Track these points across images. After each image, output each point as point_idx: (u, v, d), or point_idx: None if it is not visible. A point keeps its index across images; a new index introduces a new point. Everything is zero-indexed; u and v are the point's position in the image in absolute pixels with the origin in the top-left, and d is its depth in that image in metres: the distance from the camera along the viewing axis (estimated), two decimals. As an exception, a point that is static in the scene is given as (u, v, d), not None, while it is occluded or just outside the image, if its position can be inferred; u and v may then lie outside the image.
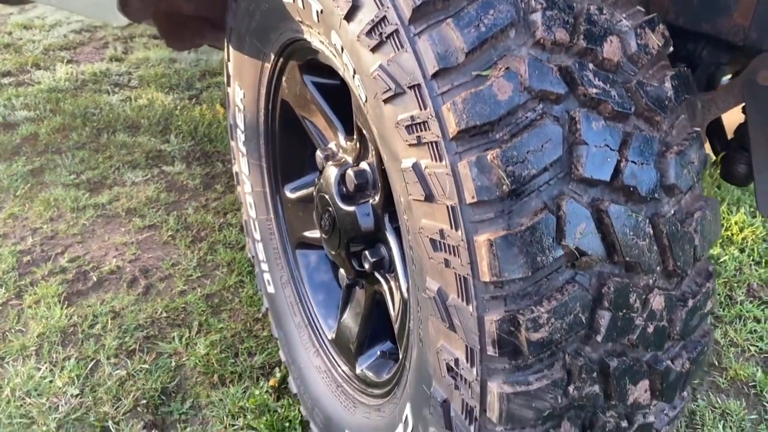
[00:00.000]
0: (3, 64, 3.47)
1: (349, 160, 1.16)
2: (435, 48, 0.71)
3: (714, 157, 1.49)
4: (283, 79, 1.29)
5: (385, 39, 0.77)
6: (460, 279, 0.73)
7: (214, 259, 2.00)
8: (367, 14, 0.79)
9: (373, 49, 0.79)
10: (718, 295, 1.98)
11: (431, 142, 0.73)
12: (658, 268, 0.76)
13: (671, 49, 0.83)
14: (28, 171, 2.46)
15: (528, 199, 0.70)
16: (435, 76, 0.72)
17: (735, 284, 2.04)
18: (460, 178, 0.71)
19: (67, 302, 1.79)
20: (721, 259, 2.12)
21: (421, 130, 0.74)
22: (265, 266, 1.51)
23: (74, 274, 1.90)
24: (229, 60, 1.40)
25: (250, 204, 1.52)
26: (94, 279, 1.89)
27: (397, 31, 0.75)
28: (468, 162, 0.70)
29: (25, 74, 3.39)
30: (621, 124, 0.74)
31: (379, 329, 1.25)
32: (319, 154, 1.25)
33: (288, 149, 1.41)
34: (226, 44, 1.39)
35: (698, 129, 0.82)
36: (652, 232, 0.74)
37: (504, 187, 0.69)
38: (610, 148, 0.72)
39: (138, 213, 2.23)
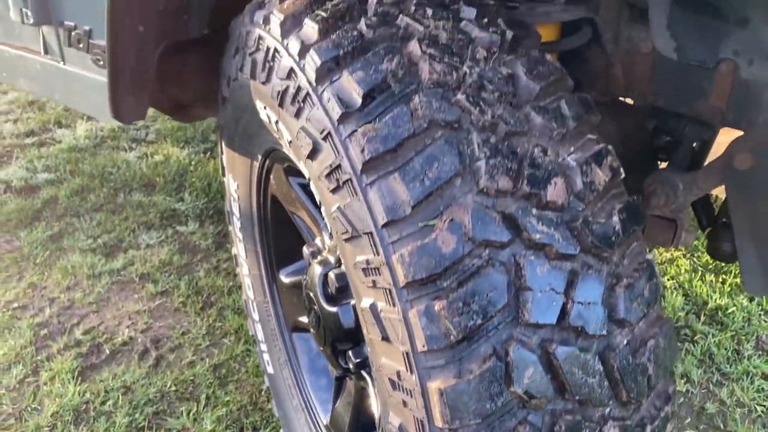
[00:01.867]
0: (27, 123, 3.60)
1: (332, 260, 1.20)
2: (384, 200, 0.75)
3: (702, 232, 1.49)
4: (271, 176, 1.33)
5: (341, 184, 0.81)
6: (417, 421, 0.76)
7: (223, 326, 2.05)
8: (325, 158, 0.84)
9: (332, 191, 0.83)
10: (725, 349, 1.97)
11: (385, 288, 0.76)
12: (611, 401, 0.77)
13: (622, 176, 0.85)
14: (47, 237, 2.55)
15: (477, 346, 0.73)
16: (385, 226, 0.75)
17: (743, 337, 2.03)
18: (411, 326, 0.74)
19: (80, 378, 1.85)
20: (729, 310, 2.11)
21: (376, 275, 0.77)
22: (264, 346, 1.56)
23: (88, 347, 1.97)
24: (222, 153, 1.45)
25: (248, 285, 1.56)
26: (107, 352, 1.95)
27: (350, 179, 0.79)
28: (417, 311, 0.73)
29: (47, 133, 3.51)
30: (568, 263, 0.76)
31: (371, 419, 1.28)
32: (306, 249, 1.29)
33: (281, 238, 1.45)
34: (219, 138, 1.44)
35: (650, 258, 0.84)
36: (602, 368, 0.76)
37: (451, 337, 0.72)
38: (556, 292, 0.74)
39: (151, 278, 2.30)
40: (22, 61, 1.61)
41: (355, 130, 0.78)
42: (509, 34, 0.89)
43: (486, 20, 0.90)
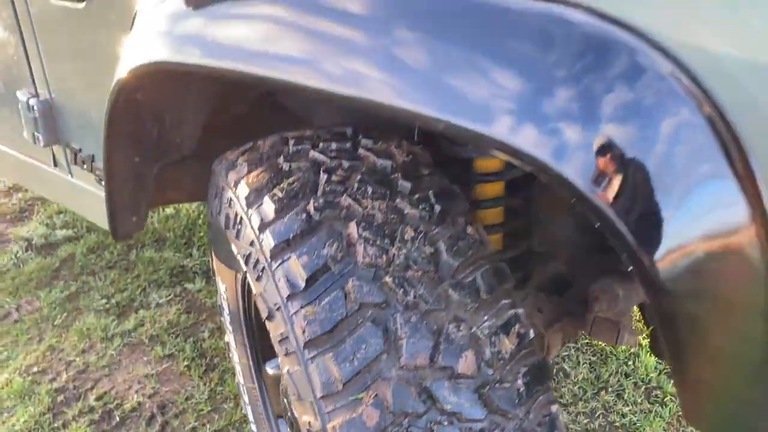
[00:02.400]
0: (47, 175, 3.81)
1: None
2: (321, 376, 0.90)
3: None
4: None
5: (289, 353, 0.96)
6: None
7: (224, 390, 2.22)
8: (278, 327, 0.99)
9: (284, 356, 0.99)
10: None
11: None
12: None
13: (531, 337, 0.99)
14: (65, 297, 2.74)
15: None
16: (322, 398, 0.91)
17: None
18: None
19: (93, 445, 2.04)
20: None
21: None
22: (254, 427, 1.72)
23: (100, 414, 2.15)
24: (212, 258, 1.62)
25: (239, 371, 1.72)
26: (117, 419, 2.13)
27: (296, 352, 0.94)
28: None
29: (66, 185, 3.72)
30: (477, 424, 0.91)
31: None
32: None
33: (265, 336, 1.61)
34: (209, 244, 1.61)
35: (554, 410, 0.98)
36: None
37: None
38: (465, 453, 0.89)
39: (159, 340, 2.48)
40: (35, 170, 1.79)
41: (299, 310, 0.94)
42: (437, 208, 1.04)
43: (417, 196, 1.05)
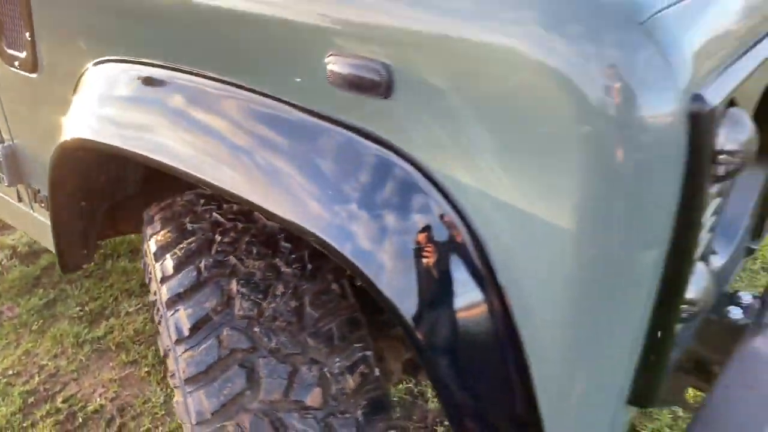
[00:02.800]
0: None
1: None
2: (195, 406, 1.14)
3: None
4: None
5: (176, 386, 1.20)
6: None
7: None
8: (171, 364, 1.22)
9: (175, 387, 1.22)
10: None
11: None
12: None
13: (375, 375, 1.22)
14: (43, 304, 2.99)
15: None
16: (197, 424, 1.14)
17: None
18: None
19: (56, 443, 2.28)
20: None
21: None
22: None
23: (65, 415, 2.39)
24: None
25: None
26: (80, 420, 2.37)
27: (180, 386, 1.17)
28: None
29: (52, 193, 3.96)
30: (321, 450, 1.14)
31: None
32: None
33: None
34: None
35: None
36: None
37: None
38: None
39: (125, 347, 2.72)
40: (4, 202, 2.03)
41: (183, 353, 1.17)
42: (309, 267, 1.26)
43: (294, 256, 1.27)
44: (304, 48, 0.99)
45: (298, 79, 1.02)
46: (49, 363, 2.64)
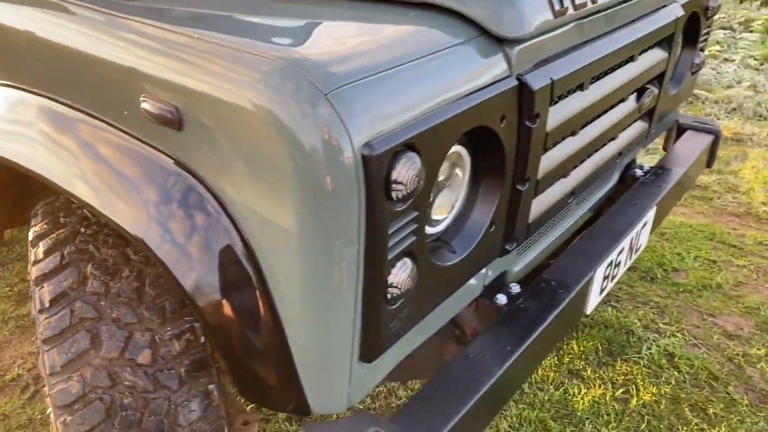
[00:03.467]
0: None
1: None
2: (49, 362, 1.46)
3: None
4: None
5: (38, 347, 1.52)
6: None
7: (89, 367, 2.77)
8: (36, 330, 1.54)
9: (39, 347, 1.54)
10: None
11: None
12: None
13: (194, 348, 1.54)
14: (-24, 284, 3.28)
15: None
16: (50, 375, 1.46)
17: None
18: None
19: (-26, 406, 2.58)
20: None
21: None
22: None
23: (-15, 382, 2.70)
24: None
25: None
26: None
27: (40, 346, 1.49)
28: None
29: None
30: (150, 395, 1.47)
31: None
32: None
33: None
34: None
35: (211, 388, 1.54)
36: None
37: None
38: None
39: (46, 324, 3.01)
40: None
41: (44, 320, 1.49)
42: (153, 255, 1.59)
43: (142, 246, 1.60)
44: (128, 89, 1.32)
45: (125, 112, 1.35)
46: (-24, 337, 2.93)
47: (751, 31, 6.38)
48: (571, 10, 1.54)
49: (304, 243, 1.16)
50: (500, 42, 1.41)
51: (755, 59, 5.68)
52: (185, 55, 1.22)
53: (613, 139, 2.03)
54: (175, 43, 1.25)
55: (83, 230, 1.61)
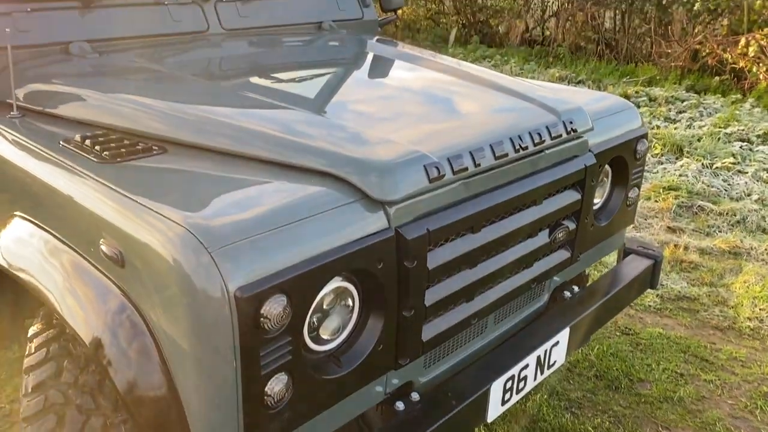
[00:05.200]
0: None
1: None
2: (25, 436, 1.87)
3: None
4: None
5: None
6: None
7: None
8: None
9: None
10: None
11: None
12: None
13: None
14: None
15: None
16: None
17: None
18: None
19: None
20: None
21: None
22: None
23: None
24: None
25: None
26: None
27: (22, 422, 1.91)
28: None
29: None
30: None
31: None
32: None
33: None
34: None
35: None
36: None
37: None
38: None
39: None
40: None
41: (25, 403, 1.91)
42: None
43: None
44: (94, 232, 1.77)
45: (92, 249, 1.80)
46: None
47: (769, 144, 6.54)
48: (449, 175, 1.91)
49: (194, 360, 1.55)
50: (381, 202, 1.80)
51: (768, 172, 5.84)
52: (124, 210, 1.67)
53: (527, 267, 2.35)
54: (119, 199, 1.71)
55: (68, 330, 2.05)
